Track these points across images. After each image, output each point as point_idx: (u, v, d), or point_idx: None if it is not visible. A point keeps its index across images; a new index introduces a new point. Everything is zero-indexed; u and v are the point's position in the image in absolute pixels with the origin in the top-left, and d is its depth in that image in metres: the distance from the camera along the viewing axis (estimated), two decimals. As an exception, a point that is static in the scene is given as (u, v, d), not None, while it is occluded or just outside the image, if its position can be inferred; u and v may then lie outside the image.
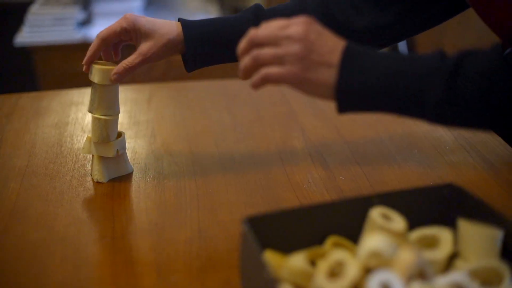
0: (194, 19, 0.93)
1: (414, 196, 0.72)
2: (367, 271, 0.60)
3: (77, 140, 1.09)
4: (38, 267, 0.77)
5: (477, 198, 0.69)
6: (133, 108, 1.22)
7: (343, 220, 0.69)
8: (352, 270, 0.59)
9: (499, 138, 1.08)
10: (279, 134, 1.12)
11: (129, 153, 1.03)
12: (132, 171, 0.99)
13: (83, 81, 2.58)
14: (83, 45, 2.39)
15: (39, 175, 0.98)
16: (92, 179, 0.96)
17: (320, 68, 0.72)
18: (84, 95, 1.27)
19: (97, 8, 2.43)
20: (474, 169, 0.99)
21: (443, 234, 0.66)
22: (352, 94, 0.72)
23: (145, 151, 1.05)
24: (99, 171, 0.95)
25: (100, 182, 0.95)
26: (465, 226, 0.65)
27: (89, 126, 1.13)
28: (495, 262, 0.63)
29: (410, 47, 2.50)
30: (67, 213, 0.88)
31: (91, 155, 0.97)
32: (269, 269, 0.58)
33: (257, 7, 0.94)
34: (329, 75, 0.72)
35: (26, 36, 2.35)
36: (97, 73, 0.90)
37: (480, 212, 0.68)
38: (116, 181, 0.96)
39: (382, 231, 0.64)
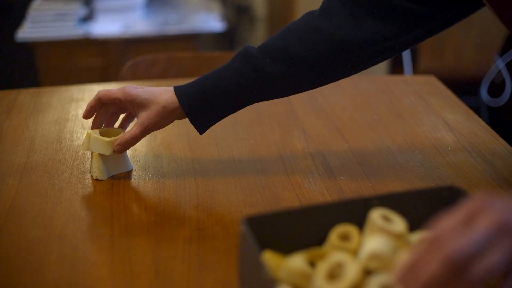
0: (186, 83, 0.92)
1: (414, 197, 0.71)
2: (367, 273, 0.60)
3: (76, 137, 1.09)
4: (35, 264, 0.77)
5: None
6: (133, 105, 1.22)
7: (343, 221, 0.68)
8: (351, 272, 0.59)
9: (501, 139, 1.08)
10: (279, 133, 1.11)
11: (128, 151, 1.02)
12: (132, 169, 0.98)
13: (84, 77, 2.57)
14: (85, 41, 2.39)
15: (38, 172, 0.97)
16: (92, 176, 0.95)
17: None
18: (84, 92, 1.27)
19: (99, 4, 2.43)
20: (476, 170, 0.98)
21: (444, 236, 0.66)
22: None
23: (144, 149, 1.05)
24: (99, 168, 0.94)
25: (99, 180, 0.95)
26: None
27: (89, 123, 1.13)
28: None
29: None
30: (66, 210, 0.88)
31: (90, 152, 0.97)
32: (268, 269, 0.58)
33: (246, 50, 0.90)
34: None
35: (27, 32, 2.35)
36: (96, 143, 0.93)
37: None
38: (116, 178, 0.96)
39: (382, 232, 0.63)
